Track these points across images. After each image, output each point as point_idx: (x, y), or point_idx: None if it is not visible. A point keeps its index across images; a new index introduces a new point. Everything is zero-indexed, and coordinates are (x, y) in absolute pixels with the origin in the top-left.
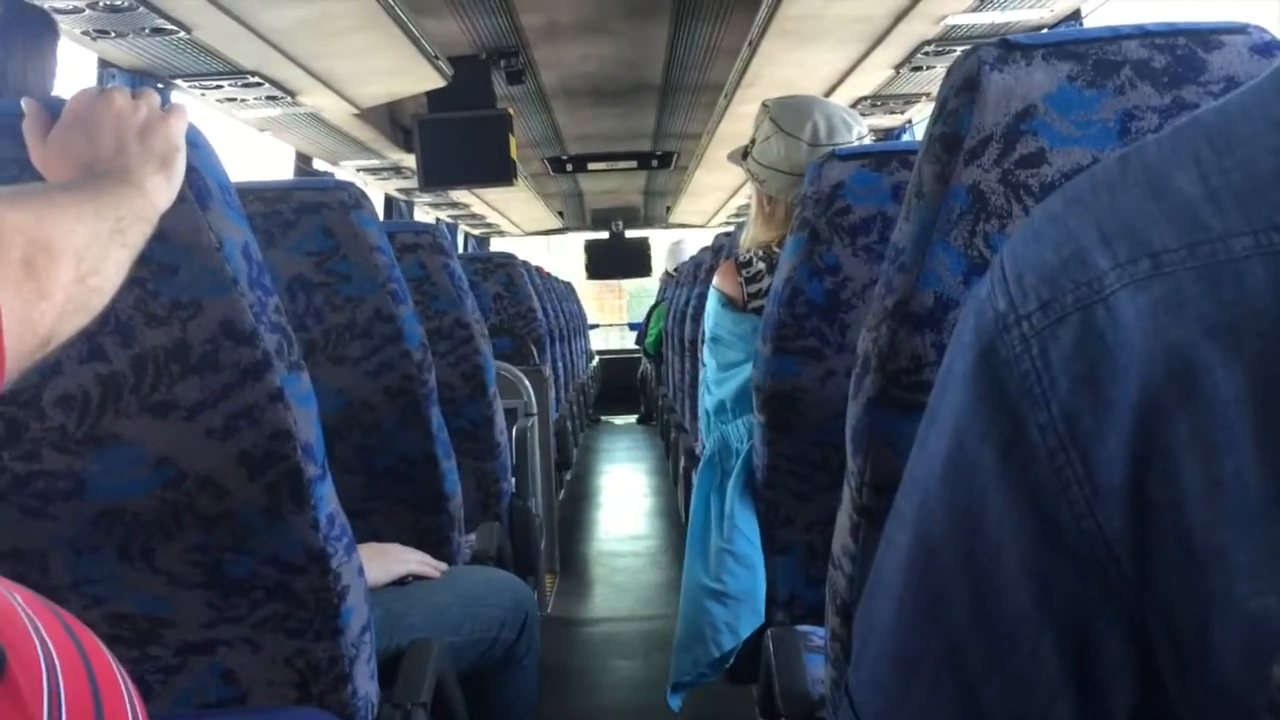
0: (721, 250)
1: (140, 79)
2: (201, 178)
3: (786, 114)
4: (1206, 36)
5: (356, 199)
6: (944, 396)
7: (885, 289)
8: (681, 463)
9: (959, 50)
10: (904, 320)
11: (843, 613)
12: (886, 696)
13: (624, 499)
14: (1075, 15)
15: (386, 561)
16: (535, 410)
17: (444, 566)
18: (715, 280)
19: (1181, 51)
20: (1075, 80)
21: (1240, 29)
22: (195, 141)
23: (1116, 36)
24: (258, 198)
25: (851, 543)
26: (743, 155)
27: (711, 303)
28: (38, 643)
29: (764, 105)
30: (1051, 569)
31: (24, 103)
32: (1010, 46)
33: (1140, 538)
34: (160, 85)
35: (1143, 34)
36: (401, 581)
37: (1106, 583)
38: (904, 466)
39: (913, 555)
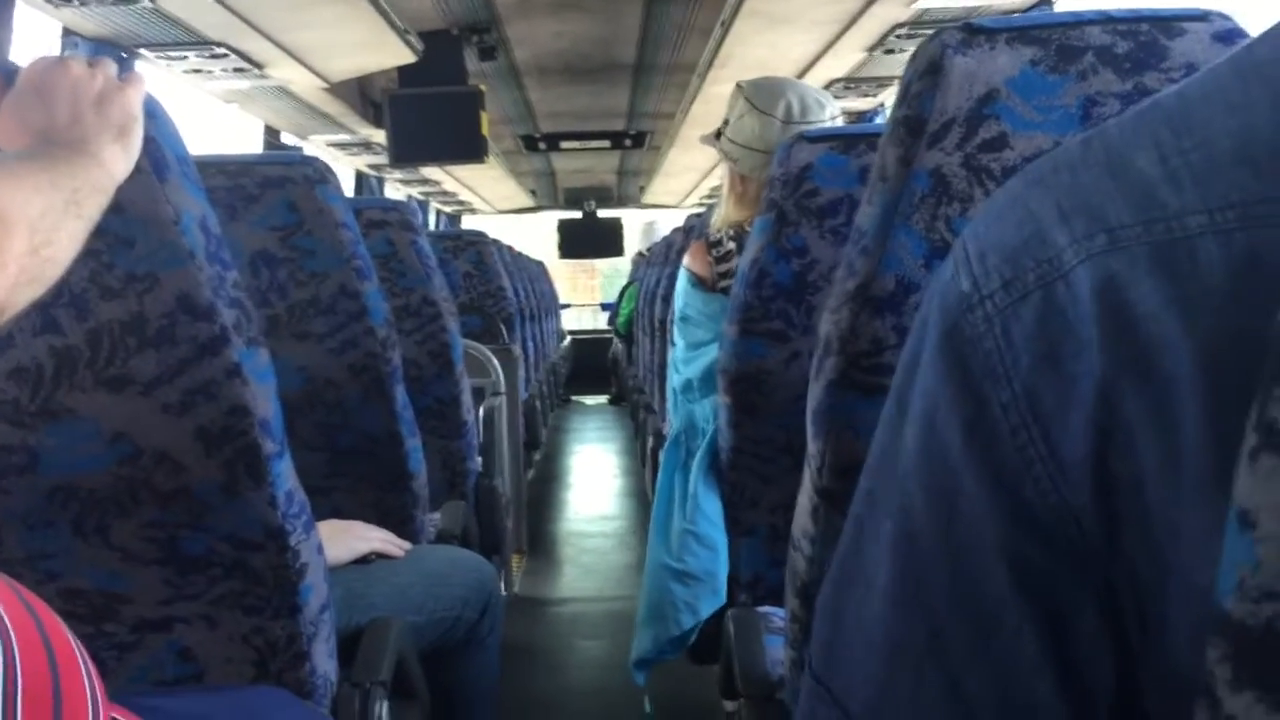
0: (692, 231)
1: (105, 48)
2: (159, 149)
3: (760, 93)
4: (1169, 23)
5: (321, 174)
6: (910, 381)
7: (847, 272)
8: (650, 444)
9: (930, 34)
10: (865, 303)
11: (802, 594)
12: (873, 685)
13: (593, 479)
14: (1048, 0)
15: (349, 539)
16: (504, 389)
17: (407, 545)
18: (685, 260)
19: (1144, 38)
20: (1038, 65)
21: (1202, 16)
22: (153, 112)
23: (1080, 22)
24: (220, 171)
25: (811, 525)
26: (716, 136)
27: (681, 282)
28: None
29: (738, 85)
30: (1023, 547)
31: None
32: (974, 30)
33: (1106, 510)
34: (125, 55)
35: (1106, 19)
36: (364, 560)
37: (1077, 557)
38: (865, 449)
39: (895, 541)
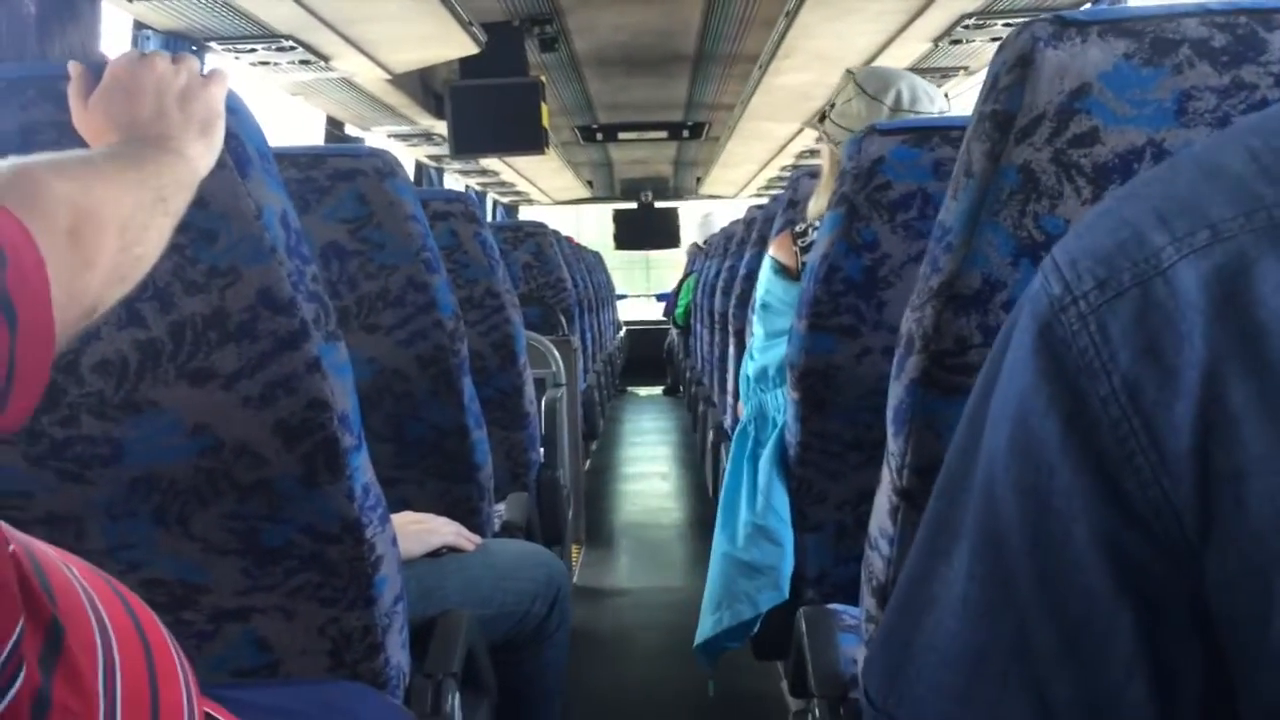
0: (755, 223)
1: (175, 41)
2: (241, 144)
3: (871, 79)
4: (1268, 15)
5: (391, 167)
6: (985, 402)
7: (931, 268)
8: (710, 437)
9: (999, 24)
10: (950, 301)
11: (879, 594)
12: (945, 698)
13: (650, 470)
14: None
15: (422, 533)
16: (564, 380)
17: (478, 539)
18: (771, 248)
19: (1242, 30)
20: (1131, 58)
21: None
22: (235, 108)
23: (1175, 14)
24: (292, 164)
25: (890, 524)
26: (820, 119)
27: (765, 269)
28: (93, 618)
29: (848, 71)
30: (1122, 537)
31: (70, 65)
32: (1065, 23)
33: (1204, 505)
34: (194, 48)
35: (1202, 11)
36: (436, 553)
37: (1174, 551)
38: (945, 449)
39: (979, 549)
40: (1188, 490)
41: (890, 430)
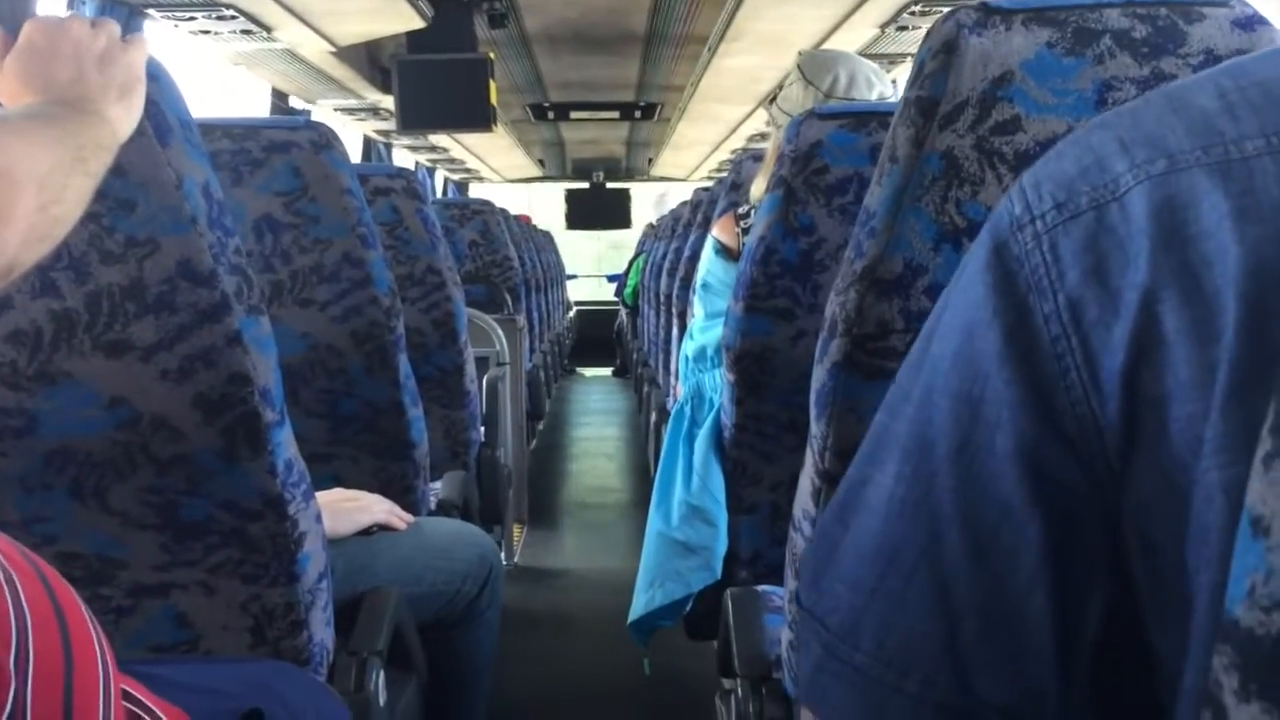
0: (700, 205)
1: (113, 6)
2: (161, 112)
3: (812, 63)
4: (1189, 8)
5: (327, 139)
6: (948, 302)
7: (855, 253)
8: (653, 418)
9: (945, 10)
10: (872, 285)
11: None
12: (857, 591)
13: (596, 451)
14: None
15: (353, 511)
16: (508, 359)
17: (410, 518)
18: (714, 229)
19: (1163, 22)
20: (1054, 47)
21: (1222, 1)
22: (156, 74)
23: (1098, 4)
24: (225, 134)
25: (813, 506)
26: (770, 101)
27: (707, 250)
28: (9, 595)
29: (799, 53)
30: (1044, 450)
31: None
32: (990, 10)
33: (1128, 427)
34: (132, 14)
35: (1125, 3)
36: (367, 531)
37: (1094, 472)
38: (866, 432)
39: (910, 453)
40: (1114, 410)
41: (813, 413)
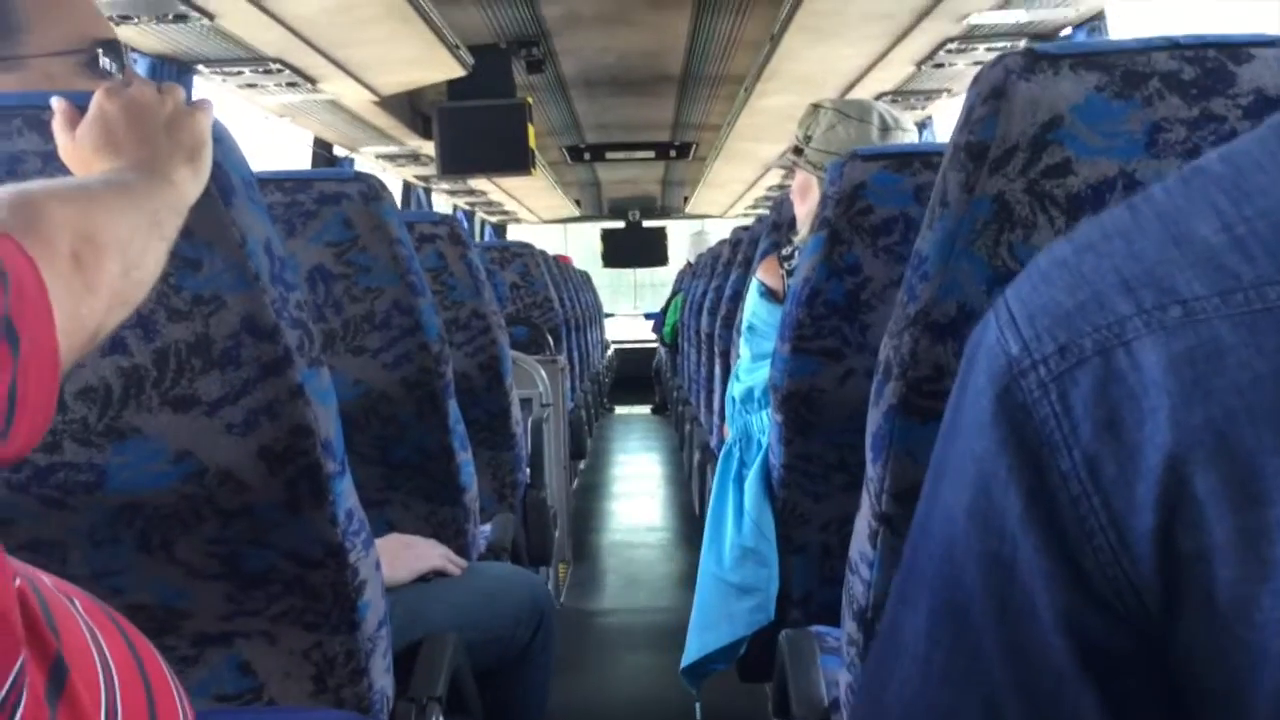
0: (740, 244)
1: (162, 64)
2: (225, 173)
3: (850, 105)
4: (1236, 49)
5: (376, 190)
6: (954, 443)
7: (908, 296)
8: (696, 457)
9: (982, 48)
10: (926, 329)
11: (859, 617)
12: None
13: (637, 490)
14: (1099, 15)
15: (410, 558)
16: (551, 400)
17: (464, 563)
18: (758, 271)
19: (1211, 64)
20: (1103, 91)
21: (1271, 42)
22: (220, 136)
23: (1145, 48)
24: (278, 187)
25: (870, 549)
26: (795, 153)
27: (751, 292)
28: (96, 654)
29: (816, 105)
30: (1086, 619)
31: (53, 100)
32: (1037, 56)
33: (1168, 586)
34: (180, 71)
35: (1171, 46)
36: (423, 578)
37: (1137, 631)
38: (923, 474)
39: (941, 611)
40: (1149, 571)
41: (869, 456)
